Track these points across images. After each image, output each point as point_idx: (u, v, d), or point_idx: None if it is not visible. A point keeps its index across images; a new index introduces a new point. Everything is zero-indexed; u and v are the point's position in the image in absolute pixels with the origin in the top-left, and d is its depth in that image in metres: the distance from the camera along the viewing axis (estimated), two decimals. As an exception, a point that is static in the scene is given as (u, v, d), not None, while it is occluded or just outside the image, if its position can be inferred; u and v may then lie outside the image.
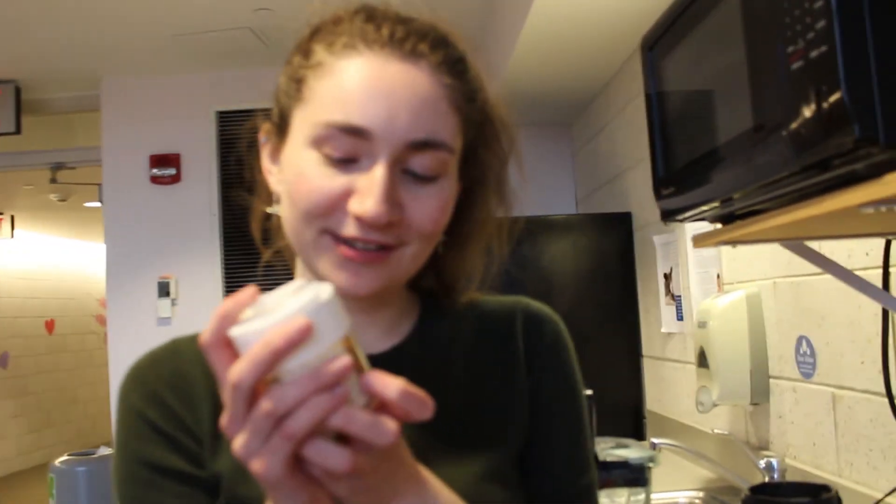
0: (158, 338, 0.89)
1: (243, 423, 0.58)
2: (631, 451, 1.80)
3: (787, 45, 0.76)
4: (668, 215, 1.16)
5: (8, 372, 8.67)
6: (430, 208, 0.77)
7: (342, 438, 0.59)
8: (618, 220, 3.08)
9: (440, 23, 0.82)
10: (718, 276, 2.22)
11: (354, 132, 0.74)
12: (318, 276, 0.79)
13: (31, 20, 3.50)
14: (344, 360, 0.56)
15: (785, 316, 1.84)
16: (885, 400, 1.38)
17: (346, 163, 0.75)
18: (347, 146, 0.74)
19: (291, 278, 0.92)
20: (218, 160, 4.25)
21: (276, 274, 0.95)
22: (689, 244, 2.37)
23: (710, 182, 1.01)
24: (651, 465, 1.78)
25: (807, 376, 1.75)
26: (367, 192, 0.73)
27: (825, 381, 1.68)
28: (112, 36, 3.76)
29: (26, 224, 8.42)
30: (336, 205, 0.75)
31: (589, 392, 0.95)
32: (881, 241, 1.37)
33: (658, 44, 1.15)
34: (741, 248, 2.05)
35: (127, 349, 4.02)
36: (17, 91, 4.27)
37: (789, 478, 1.70)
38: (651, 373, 2.95)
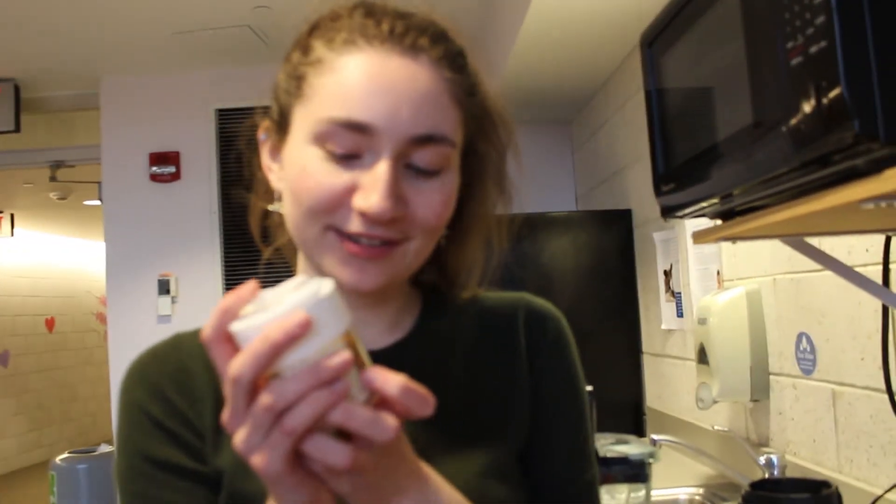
0: (159, 335, 0.89)
1: (244, 417, 0.58)
2: (631, 448, 1.81)
3: (787, 41, 0.76)
4: (668, 212, 1.16)
5: (8, 370, 8.68)
6: (433, 203, 0.77)
7: (343, 434, 0.59)
8: (618, 217, 3.08)
9: (438, 18, 0.82)
10: (718, 273, 2.22)
11: (357, 128, 0.74)
12: (322, 273, 0.79)
13: (31, 18, 3.50)
14: (344, 355, 0.56)
15: (785, 312, 1.84)
16: (886, 396, 1.38)
17: (348, 159, 0.75)
18: (350, 142, 0.74)
19: (291, 275, 0.92)
20: (217, 158, 4.25)
21: (276, 271, 0.95)
22: (689, 241, 2.37)
23: (709, 178, 1.01)
24: (651, 461, 1.78)
25: (807, 373, 1.75)
26: (372, 187, 0.73)
27: (825, 377, 1.68)
28: (111, 34, 3.75)
29: (26, 222, 8.42)
30: (340, 201, 0.75)
31: (589, 388, 0.95)
32: (881, 238, 1.37)
33: (657, 40, 1.15)
34: (741, 245, 2.05)
35: (127, 347, 4.01)
36: (17, 89, 4.27)
37: (789, 474, 1.70)
38: (651, 369, 2.95)
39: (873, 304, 1.47)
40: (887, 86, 0.67)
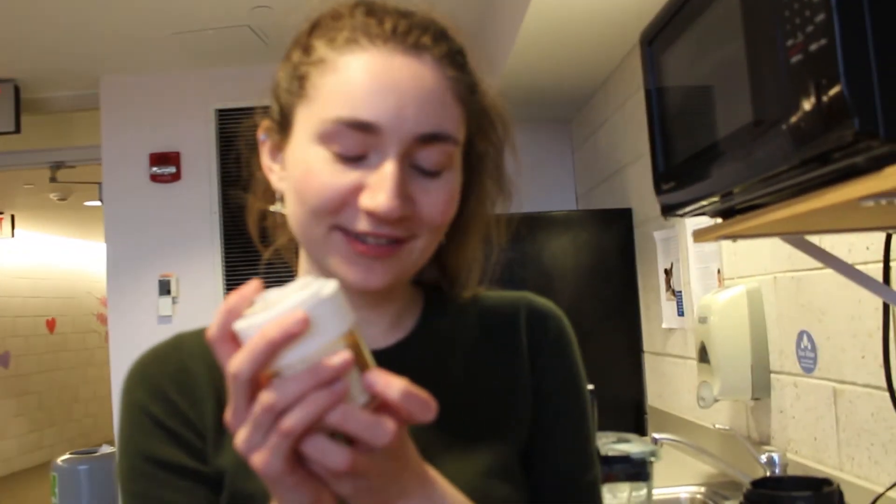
0: (159, 336, 0.89)
1: (244, 416, 0.58)
2: (632, 446, 1.81)
3: (787, 39, 0.76)
4: (669, 210, 1.16)
5: (9, 371, 8.68)
6: (439, 201, 0.78)
7: (347, 436, 0.59)
8: (618, 216, 3.08)
9: (438, 16, 0.82)
10: (719, 272, 2.22)
11: (363, 127, 0.74)
12: (326, 273, 0.79)
13: (30, 19, 3.50)
14: (344, 356, 0.56)
15: (785, 311, 1.84)
16: (887, 394, 1.38)
17: (354, 159, 0.75)
18: (355, 142, 0.74)
19: (292, 275, 0.92)
20: (218, 158, 4.25)
21: (276, 271, 0.95)
22: (690, 239, 2.37)
23: (710, 177, 1.01)
24: (653, 459, 1.78)
25: (808, 371, 1.75)
26: (379, 186, 0.73)
27: (826, 375, 1.68)
28: (111, 34, 3.75)
29: (26, 223, 8.42)
30: (346, 201, 0.75)
31: (590, 387, 0.95)
32: (882, 235, 1.37)
33: (657, 38, 1.15)
34: (741, 244, 2.05)
35: (128, 348, 4.02)
36: (17, 90, 4.27)
37: (790, 473, 1.71)
38: (652, 368, 2.95)
39: (874, 302, 1.47)
40: (887, 83, 0.67)
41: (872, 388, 1.52)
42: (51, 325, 9.56)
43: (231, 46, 3.93)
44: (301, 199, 0.77)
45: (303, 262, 0.87)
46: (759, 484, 1.48)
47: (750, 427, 2.07)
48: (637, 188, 2.98)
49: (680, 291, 2.56)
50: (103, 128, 4.31)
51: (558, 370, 0.90)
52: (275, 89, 0.83)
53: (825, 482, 1.43)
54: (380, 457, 0.61)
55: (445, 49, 0.79)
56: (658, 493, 1.94)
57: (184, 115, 4.27)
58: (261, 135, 0.86)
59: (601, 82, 3.33)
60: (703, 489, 2.08)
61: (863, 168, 0.72)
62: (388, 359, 0.73)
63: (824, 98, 0.70)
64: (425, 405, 0.60)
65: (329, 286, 0.58)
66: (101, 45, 3.88)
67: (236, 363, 0.57)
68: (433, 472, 0.69)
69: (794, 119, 0.76)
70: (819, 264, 1.55)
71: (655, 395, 2.92)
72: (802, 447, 1.79)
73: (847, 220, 1.06)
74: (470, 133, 0.83)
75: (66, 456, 4.33)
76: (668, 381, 2.76)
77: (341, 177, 0.75)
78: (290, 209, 0.81)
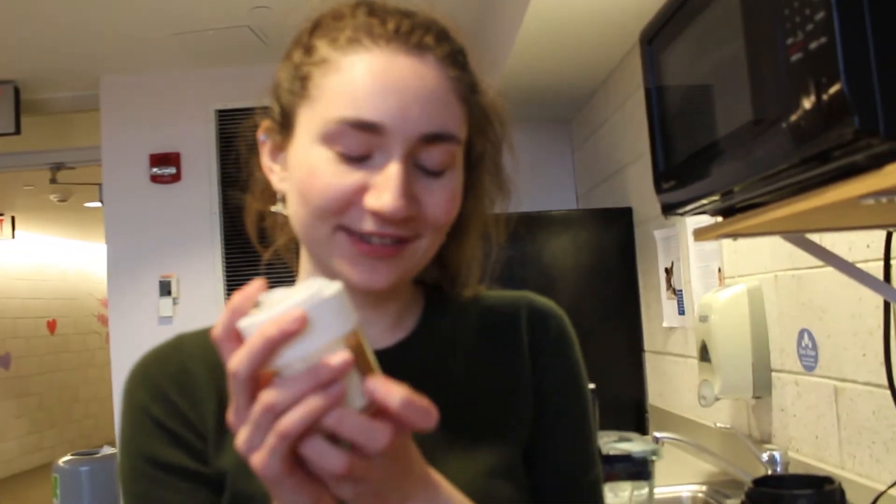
0: (160, 337, 0.89)
1: (245, 416, 0.58)
2: (634, 445, 1.81)
3: (787, 37, 0.76)
4: (669, 209, 1.16)
5: (10, 372, 8.68)
6: (443, 200, 0.78)
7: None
8: (618, 215, 3.08)
9: (439, 16, 0.82)
10: (719, 270, 2.22)
11: (367, 128, 0.74)
12: (330, 273, 0.79)
13: (29, 20, 3.50)
14: (342, 356, 0.56)
15: (786, 309, 1.84)
16: (888, 392, 1.38)
17: (358, 159, 0.75)
18: (360, 142, 0.74)
19: (292, 275, 0.92)
20: (218, 159, 4.26)
21: (277, 272, 0.95)
22: (690, 238, 2.37)
23: (710, 175, 1.01)
24: (654, 458, 1.78)
25: (809, 369, 1.75)
26: (384, 187, 0.74)
27: (827, 373, 1.68)
28: (110, 35, 3.76)
29: (27, 225, 8.42)
30: (351, 201, 0.75)
31: (591, 386, 0.95)
32: (882, 233, 1.36)
33: (657, 37, 1.15)
34: (742, 242, 2.05)
35: (129, 348, 4.02)
36: (17, 91, 4.27)
37: (792, 471, 1.71)
38: (653, 367, 2.95)
39: (875, 300, 1.47)
40: (887, 81, 0.67)
41: (873, 386, 1.52)
42: (51, 326, 9.56)
43: (231, 47, 3.94)
44: (305, 199, 0.77)
45: (304, 262, 0.87)
46: (760, 482, 1.48)
47: (751, 425, 2.07)
48: (637, 187, 2.98)
49: (680, 290, 2.56)
50: (103, 129, 4.31)
51: (559, 370, 0.90)
52: (276, 90, 0.83)
53: (827, 480, 1.43)
54: (379, 461, 0.60)
55: (447, 49, 0.79)
56: (659, 491, 1.94)
57: (184, 116, 4.27)
58: (261, 135, 0.86)
59: (601, 82, 3.33)
60: (704, 488, 2.08)
61: (863, 166, 0.72)
62: (390, 359, 0.73)
63: (824, 96, 0.70)
64: (426, 413, 0.59)
65: (332, 287, 0.58)
66: (100, 46, 3.88)
67: (235, 361, 0.57)
68: (437, 477, 0.69)
69: (794, 117, 0.76)
70: (820, 262, 1.55)
71: (656, 393, 2.92)
72: (804, 445, 1.79)
73: (847, 218, 1.06)
74: (470, 132, 0.83)
75: (68, 457, 4.33)
76: (669, 380, 2.76)
77: (346, 177, 0.75)
78: (293, 210, 0.81)
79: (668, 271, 2.67)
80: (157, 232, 4.25)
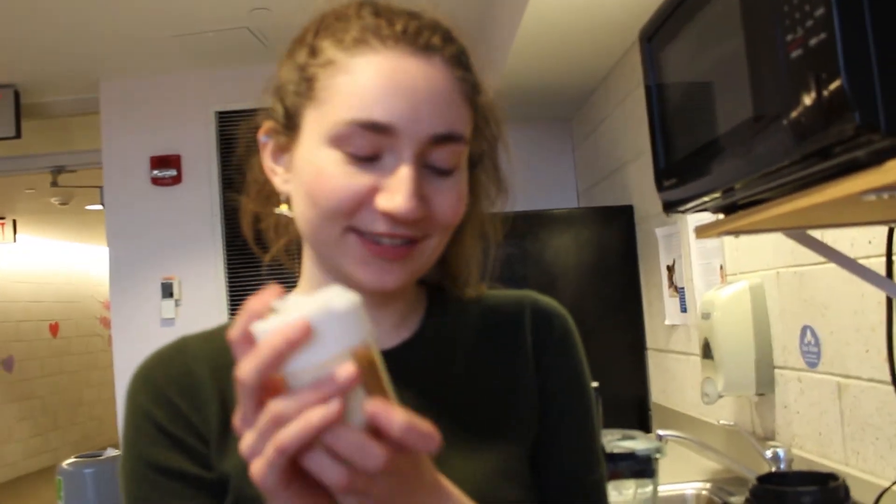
0: (163, 339, 0.89)
1: (251, 422, 0.58)
2: (637, 443, 1.80)
3: (786, 34, 0.76)
4: (670, 207, 1.16)
5: (13, 375, 8.69)
6: (451, 200, 0.78)
7: None
8: (619, 213, 3.08)
9: (442, 17, 0.82)
10: (721, 268, 2.22)
11: (378, 129, 0.74)
12: (336, 274, 0.80)
13: (29, 24, 3.50)
14: (345, 372, 0.55)
15: (788, 306, 1.84)
16: (891, 388, 1.38)
17: (367, 160, 0.75)
18: (370, 143, 0.74)
19: (294, 276, 0.92)
20: (218, 160, 4.26)
21: (279, 273, 0.95)
22: (692, 236, 2.37)
23: (711, 172, 1.01)
24: (658, 456, 1.78)
25: (812, 366, 1.75)
26: (396, 188, 0.74)
27: (830, 370, 1.68)
28: (110, 38, 3.76)
29: (28, 228, 8.43)
30: (362, 202, 0.75)
31: (594, 385, 0.95)
32: (884, 229, 1.36)
33: (657, 35, 1.15)
34: (743, 239, 2.05)
35: (131, 351, 4.03)
36: (17, 95, 4.27)
37: (796, 468, 1.70)
38: (655, 365, 2.95)
39: (877, 296, 1.47)
40: (887, 77, 0.67)
41: (877, 382, 1.52)
42: (54, 329, 9.57)
43: (230, 48, 3.94)
44: (313, 201, 0.77)
45: (307, 264, 0.87)
46: (764, 479, 1.48)
47: (754, 423, 2.07)
48: (638, 185, 2.98)
49: (682, 288, 2.56)
50: (103, 131, 4.31)
51: (563, 369, 0.90)
52: (279, 90, 0.82)
53: (831, 477, 1.43)
54: (383, 476, 0.59)
55: (453, 50, 0.79)
56: (663, 489, 1.94)
57: (184, 118, 4.27)
58: (262, 136, 0.85)
59: (601, 80, 3.33)
60: (708, 485, 2.08)
61: (864, 162, 0.72)
62: (394, 359, 0.73)
63: (825, 92, 0.70)
64: (427, 437, 0.58)
65: (347, 297, 0.58)
66: (100, 49, 3.88)
67: (243, 369, 0.57)
68: (450, 488, 0.68)
69: (794, 114, 0.76)
70: (822, 259, 1.54)
71: (659, 391, 2.92)
72: (807, 442, 1.79)
73: (849, 215, 1.06)
74: (472, 132, 0.83)
75: (72, 459, 4.33)
76: (672, 378, 2.76)
77: (356, 179, 0.75)
78: (300, 211, 0.80)
79: (670, 269, 2.67)
80: (158, 234, 4.25)
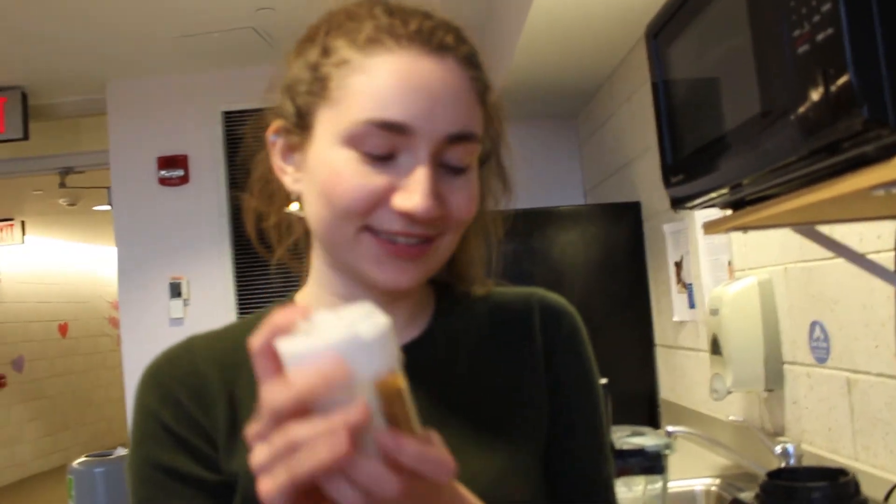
0: (171, 338, 0.89)
1: (266, 437, 0.57)
2: (647, 439, 1.80)
3: (793, 29, 0.75)
4: (678, 203, 1.15)
5: (23, 376, 8.73)
6: (466, 198, 0.79)
7: None
8: (627, 210, 3.08)
9: (451, 16, 0.82)
10: (729, 264, 2.22)
11: (394, 129, 0.74)
12: (349, 273, 0.80)
13: (35, 26, 3.51)
14: (356, 413, 0.55)
15: (797, 301, 1.83)
16: (900, 383, 1.37)
17: (383, 159, 0.75)
18: (385, 143, 0.75)
19: (299, 276, 0.92)
20: (225, 160, 4.27)
21: (286, 272, 0.95)
22: (700, 232, 2.36)
23: (718, 169, 1.01)
24: (667, 452, 1.78)
25: (821, 361, 1.74)
26: (414, 188, 0.74)
27: (839, 365, 1.67)
28: (116, 39, 3.77)
29: (37, 229, 8.46)
30: (378, 202, 0.75)
31: (604, 381, 0.95)
32: (892, 224, 1.36)
33: (663, 31, 1.15)
34: (751, 235, 2.04)
35: (140, 350, 4.04)
36: (24, 97, 4.29)
37: (805, 463, 1.70)
38: (664, 361, 2.95)
39: (886, 291, 1.46)
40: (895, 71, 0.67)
41: (886, 377, 1.51)
42: (63, 329, 9.61)
43: (236, 48, 3.94)
44: (328, 200, 0.77)
45: (316, 263, 0.87)
46: (774, 475, 1.47)
47: (763, 418, 2.07)
48: (645, 181, 2.97)
49: (690, 284, 2.55)
50: (111, 132, 4.33)
51: (573, 367, 0.90)
52: (289, 89, 0.82)
53: (841, 472, 1.42)
54: (401, 498, 0.58)
55: (466, 50, 0.79)
56: (673, 485, 1.94)
57: (190, 118, 4.28)
58: (271, 135, 0.85)
59: (606, 77, 3.32)
60: (717, 481, 2.07)
61: (872, 157, 0.71)
62: (404, 358, 0.73)
63: (832, 87, 0.70)
64: (441, 465, 0.58)
65: (373, 323, 0.57)
66: (106, 50, 3.90)
67: (274, 398, 0.56)
68: (470, 500, 0.67)
69: (802, 109, 0.75)
70: (830, 254, 1.54)
71: (668, 388, 2.92)
72: (817, 438, 1.79)
73: (857, 210, 1.06)
74: None
75: (82, 459, 4.35)
76: (681, 374, 2.76)
77: (372, 178, 0.75)
78: (313, 210, 0.80)
79: (678, 265, 2.67)
80: (166, 234, 4.26)
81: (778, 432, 1.98)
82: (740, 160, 0.94)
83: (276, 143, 0.84)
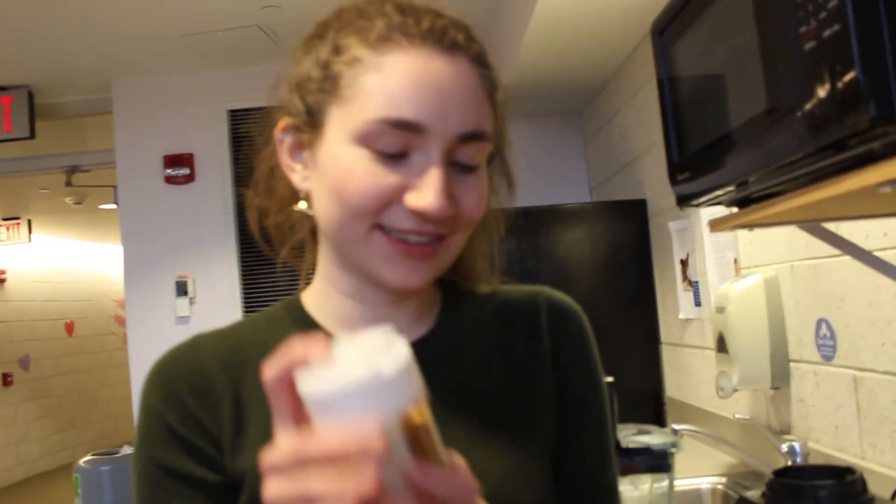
0: (177, 337, 0.89)
1: (285, 474, 0.56)
2: (653, 438, 1.80)
3: (799, 26, 0.75)
4: (684, 200, 1.15)
5: (29, 374, 8.76)
6: (477, 197, 0.79)
7: None
8: (632, 207, 3.07)
9: (460, 15, 0.82)
10: (735, 261, 2.21)
11: (407, 127, 0.74)
12: (358, 271, 0.80)
13: (41, 25, 3.52)
14: (375, 448, 0.54)
15: (803, 299, 1.83)
16: (908, 380, 1.37)
17: (395, 158, 0.75)
18: (398, 141, 0.74)
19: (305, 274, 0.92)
20: (231, 158, 4.27)
21: (293, 271, 0.95)
22: (706, 229, 2.36)
23: (724, 166, 1.01)
24: (673, 450, 1.77)
25: (827, 359, 1.74)
26: (427, 186, 0.74)
27: (846, 363, 1.67)
28: (122, 38, 3.77)
29: (43, 228, 8.48)
30: (390, 200, 0.75)
31: (609, 380, 0.95)
32: (899, 221, 1.36)
33: (669, 28, 1.15)
34: (757, 232, 2.04)
35: (146, 349, 4.05)
36: (30, 96, 4.29)
37: (812, 461, 1.70)
38: (670, 359, 2.94)
39: (893, 289, 1.46)
40: (903, 68, 0.66)
41: (893, 375, 1.51)
42: (69, 328, 9.63)
43: (241, 47, 3.95)
44: (340, 198, 0.77)
45: (324, 262, 0.87)
46: (781, 473, 1.47)
47: (770, 416, 2.06)
48: (651, 179, 2.97)
49: (696, 282, 2.55)
50: (117, 131, 4.33)
51: (579, 367, 0.90)
52: (298, 87, 0.81)
53: (848, 470, 1.42)
54: None
55: (477, 49, 0.79)
56: (679, 484, 1.93)
57: (196, 117, 4.29)
58: (279, 133, 0.84)
59: (612, 74, 3.32)
60: (724, 479, 2.07)
61: (879, 154, 0.71)
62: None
63: (839, 84, 0.70)
64: (465, 489, 0.58)
65: (394, 357, 0.56)
66: (112, 49, 3.90)
67: (306, 451, 0.55)
68: None
69: (808, 106, 0.75)
70: (836, 251, 1.54)
71: (674, 386, 2.92)
72: (823, 436, 1.78)
73: (864, 207, 1.06)
74: None
75: (89, 457, 4.36)
76: (687, 372, 2.76)
77: (384, 177, 0.75)
78: (323, 208, 0.80)
79: (684, 263, 2.66)
80: (172, 233, 4.27)
81: (784, 430, 1.97)
82: (746, 157, 0.94)
83: (284, 140, 0.84)
